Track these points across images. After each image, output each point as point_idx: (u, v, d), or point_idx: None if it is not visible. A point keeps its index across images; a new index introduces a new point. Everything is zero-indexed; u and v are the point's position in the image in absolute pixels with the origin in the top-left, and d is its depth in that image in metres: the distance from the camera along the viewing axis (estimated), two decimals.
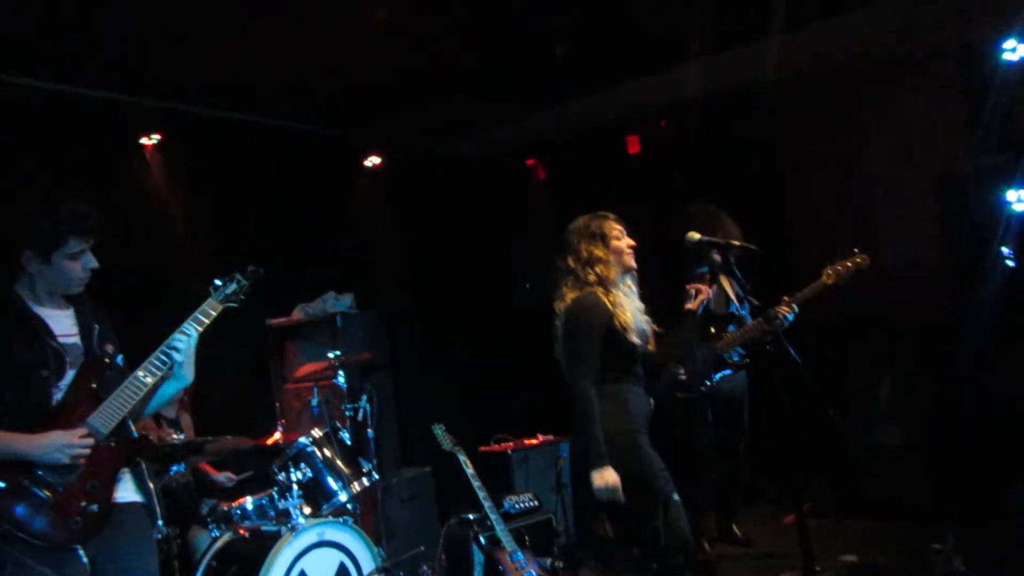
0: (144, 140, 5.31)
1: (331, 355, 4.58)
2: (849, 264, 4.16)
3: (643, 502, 3.13)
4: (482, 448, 5.24)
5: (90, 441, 2.44)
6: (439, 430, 4.31)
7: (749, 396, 4.78)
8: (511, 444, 5.26)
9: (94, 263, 2.58)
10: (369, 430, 4.67)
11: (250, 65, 5.05)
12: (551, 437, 5.36)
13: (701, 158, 6.21)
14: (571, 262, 3.37)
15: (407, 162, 6.86)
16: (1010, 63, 4.99)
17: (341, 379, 4.60)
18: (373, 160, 6.69)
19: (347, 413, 4.56)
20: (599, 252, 3.34)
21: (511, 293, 7.33)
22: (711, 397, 4.44)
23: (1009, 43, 4.98)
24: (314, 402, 4.39)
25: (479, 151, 7.42)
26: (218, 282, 2.71)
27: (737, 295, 4.68)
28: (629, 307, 3.31)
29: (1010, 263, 4.84)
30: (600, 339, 3.21)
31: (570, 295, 3.32)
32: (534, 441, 5.31)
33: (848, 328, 5.45)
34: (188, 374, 2.64)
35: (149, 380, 2.52)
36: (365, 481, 4.12)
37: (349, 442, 4.29)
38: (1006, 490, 4.45)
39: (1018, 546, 4.06)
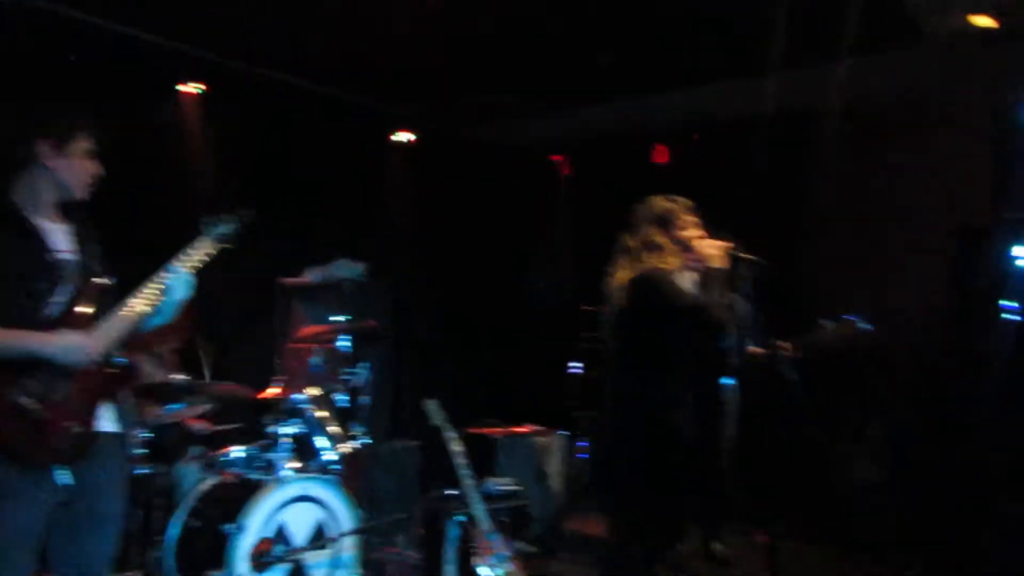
0: (182, 87, 5.42)
1: (336, 318, 4.65)
2: (847, 329, 4.23)
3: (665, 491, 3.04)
4: (470, 430, 5.31)
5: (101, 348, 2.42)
6: (432, 404, 4.39)
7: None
8: (499, 429, 5.34)
9: (99, 169, 2.59)
10: (364, 397, 4.74)
11: (298, 27, 5.14)
12: (539, 428, 5.44)
13: (727, 177, 6.25)
14: (632, 242, 3.14)
15: (438, 143, 6.95)
16: None
17: (343, 343, 4.67)
18: (405, 136, 6.79)
19: (345, 378, 4.63)
20: (660, 239, 3.09)
21: (523, 284, 7.41)
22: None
23: None
24: (314, 361, 4.45)
25: (509, 141, 7.49)
26: (209, 220, 2.69)
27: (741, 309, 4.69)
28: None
29: (1012, 318, 4.90)
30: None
31: (623, 273, 3.08)
32: (522, 430, 5.38)
33: (845, 363, 5.49)
34: (172, 311, 2.63)
35: (142, 308, 2.51)
36: (354, 445, 4.21)
37: (344, 405, 4.37)
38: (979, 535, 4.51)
39: None
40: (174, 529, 3.75)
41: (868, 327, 4.23)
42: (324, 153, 5.96)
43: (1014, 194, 5.14)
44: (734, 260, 3.13)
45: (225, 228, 2.71)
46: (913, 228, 5.61)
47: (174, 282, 2.58)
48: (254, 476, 3.93)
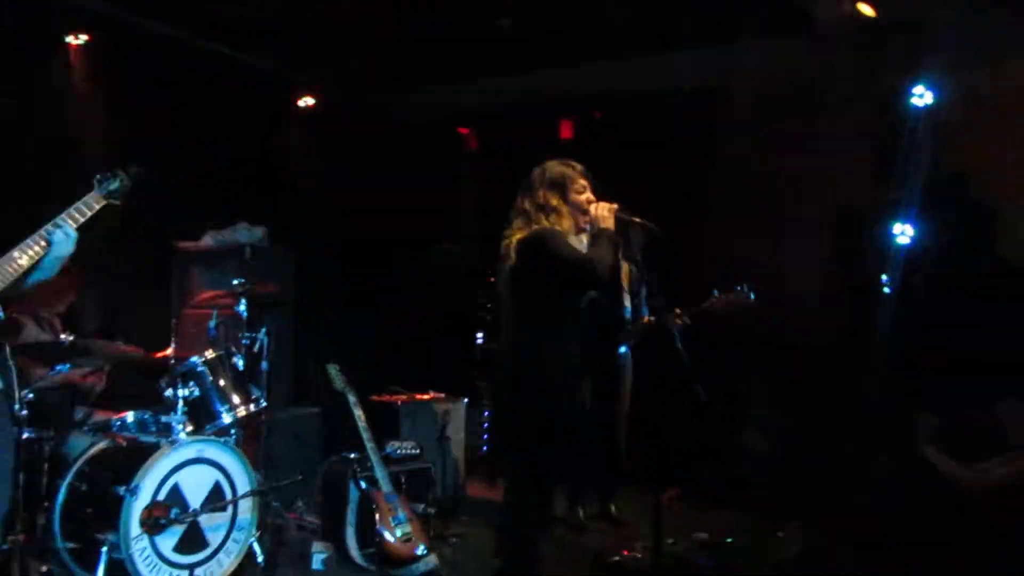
0: (70, 39, 5.17)
1: (235, 282, 4.57)
2: (733, 299, 4.55)
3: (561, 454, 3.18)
4: (373, 397, 5.31)
5: None
6: (333, 369, 4.38)
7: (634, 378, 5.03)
8: (402, 396, 5.36)
9: None
10: (264, 362, 4.68)
11: None
12: (441, 395, 5.48)
13: (628, 150, 6.40)
14: (527, 204, 3.22)
15: (342, 109, 6.86)
16: (916, 108, 5.36)
17: (242, 307, 4.59)
18: (307, 101, 6.68)
19: (244, 342, 4.56)
20: (555, 202, 3.18)
21: (428, 253, 7.42)
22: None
23: (917, 89, 5.36)
24: (211, 324, 4.36)
25: (417, 111, 7.46)
26: (100, 177, 2.68)
27: (633, 276, 4.89)
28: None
29: (886, 290, 5.26)
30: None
31: (518, 235, 3.17)
32: (425, 397, 5.41)
33: (733, 335, 5.74)
34: (55, 266, 2.59)
35: (24, 261, 2.47)
36: (252, 407, 4.15)
37: (241, 369, 4.30)
38: (852, 496, 4.84)
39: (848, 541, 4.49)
40: (61, 494, 3.63)
41: (753, 296, 4.54)
42: (225, 115, 5.79)
43: (894, 175, 5.48)
44: (621, 222, 3.22)
45: (115, 184, 2.68)
46: (801, 204, 5.91)
47: (56, 237, 2.52)
48: (147, 439, 3.84)
